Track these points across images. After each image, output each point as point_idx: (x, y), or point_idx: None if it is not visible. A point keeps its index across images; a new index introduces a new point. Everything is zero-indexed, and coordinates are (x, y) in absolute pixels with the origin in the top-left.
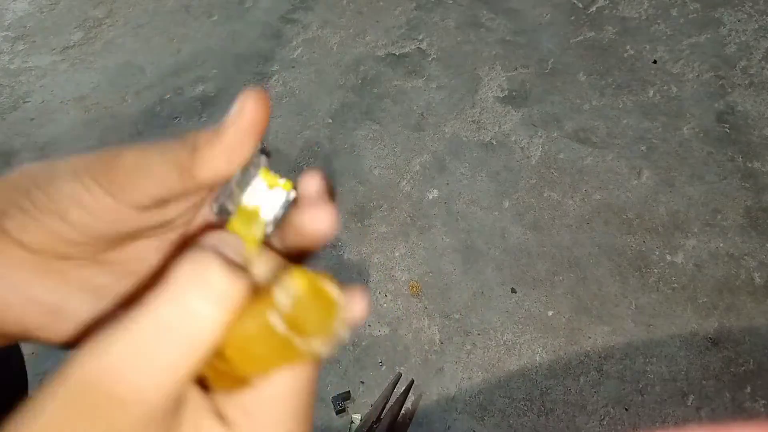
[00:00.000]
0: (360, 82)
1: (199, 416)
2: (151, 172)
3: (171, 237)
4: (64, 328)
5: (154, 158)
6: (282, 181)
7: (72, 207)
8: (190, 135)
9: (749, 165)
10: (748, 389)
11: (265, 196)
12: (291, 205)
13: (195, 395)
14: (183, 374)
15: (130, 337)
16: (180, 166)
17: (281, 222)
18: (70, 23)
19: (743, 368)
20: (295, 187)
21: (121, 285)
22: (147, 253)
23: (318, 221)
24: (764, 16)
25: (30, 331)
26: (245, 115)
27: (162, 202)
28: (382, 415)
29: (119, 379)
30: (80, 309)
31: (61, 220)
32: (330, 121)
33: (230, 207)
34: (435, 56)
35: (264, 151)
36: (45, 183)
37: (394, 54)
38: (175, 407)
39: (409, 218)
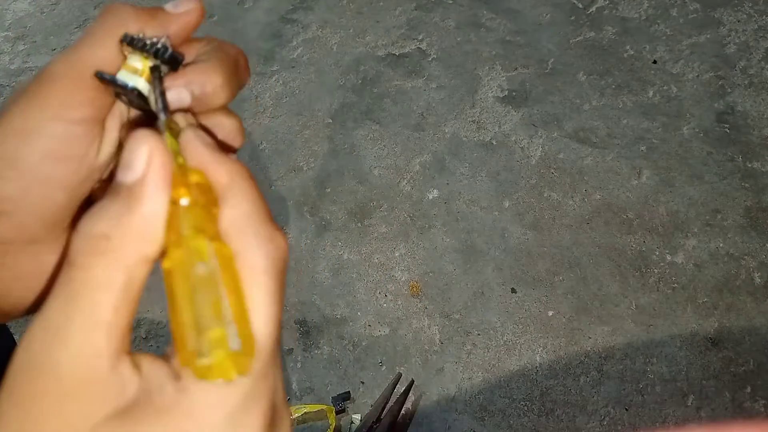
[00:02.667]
0: (360, 82)
1: (156, 380)
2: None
3: None
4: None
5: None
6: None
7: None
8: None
9: (749, 165)
10: (748, 389)
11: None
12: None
13: (148, 361)
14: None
15: (45, 322)
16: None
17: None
18: (71, 23)
19: (743, 368)
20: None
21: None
22: None
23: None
24: (764, 16)
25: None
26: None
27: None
28: (382, 415)
29: (52, 366)
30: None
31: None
32: (330, 121)
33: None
34: (435, 56)
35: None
36: None
37: (394, 54)
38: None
39: (409, 218)
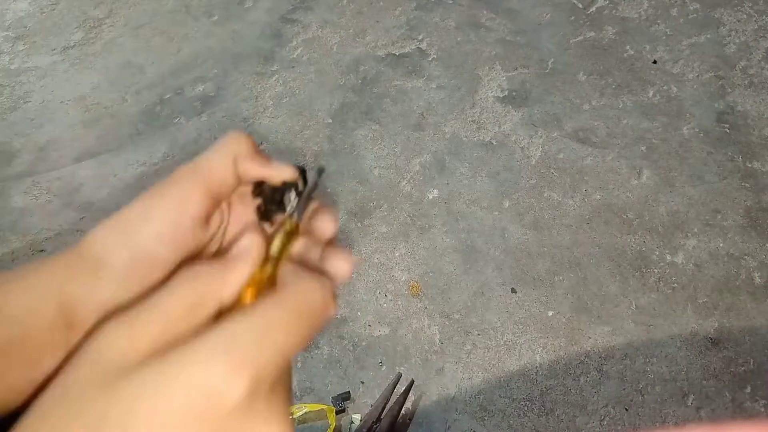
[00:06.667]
0: (360, 82)
1: None
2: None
3: None
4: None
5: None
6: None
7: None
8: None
9: (749, 165)
10: (748, 389)
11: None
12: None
13: None
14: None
15: None
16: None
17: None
18: (70, 23)
19: (743, 368)
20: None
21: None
22: None
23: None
24: (764, 16)
25: None
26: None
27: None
28: (382, 415)
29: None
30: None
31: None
32: (330, 121)
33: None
34: (435, 56)
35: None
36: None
37: (394, 54)
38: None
39: (409, 218)
